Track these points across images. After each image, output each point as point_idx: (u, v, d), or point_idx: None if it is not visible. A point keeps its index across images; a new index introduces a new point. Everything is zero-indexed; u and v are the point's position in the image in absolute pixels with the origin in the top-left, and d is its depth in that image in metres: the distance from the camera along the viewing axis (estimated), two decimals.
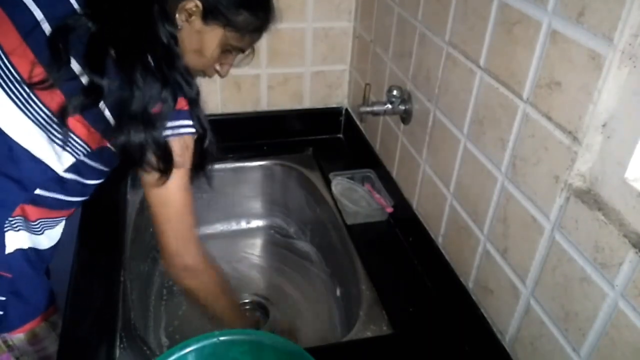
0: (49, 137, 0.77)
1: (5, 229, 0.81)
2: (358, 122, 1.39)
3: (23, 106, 0.74)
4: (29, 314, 0.90)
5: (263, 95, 1.40)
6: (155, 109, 0.73)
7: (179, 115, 0.76)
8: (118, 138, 0.73)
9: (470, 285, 0.89)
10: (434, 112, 0.96)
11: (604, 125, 0.60)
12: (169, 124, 0.75)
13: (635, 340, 0.56)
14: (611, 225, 0.58)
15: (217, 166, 1.34)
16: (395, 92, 1.06)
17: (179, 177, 0.78)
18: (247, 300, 1.22)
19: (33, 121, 0.75)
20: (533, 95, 0.69)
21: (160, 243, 0.82)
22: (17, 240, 0.83)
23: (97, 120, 0.75)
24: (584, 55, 0.59)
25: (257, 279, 1.30)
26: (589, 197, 0.62)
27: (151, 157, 0.75)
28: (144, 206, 1.21)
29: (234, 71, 1.34)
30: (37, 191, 0.80)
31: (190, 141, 0.79)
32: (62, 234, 0.93)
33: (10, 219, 0.81)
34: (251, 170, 1.38)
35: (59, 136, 0.76)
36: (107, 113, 0.74)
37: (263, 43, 1.31)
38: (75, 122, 0.75)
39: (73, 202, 0.88)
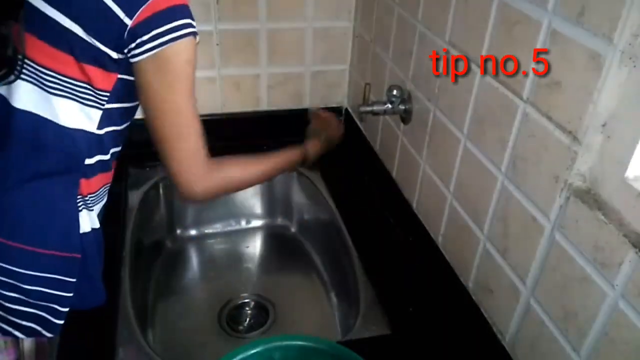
0: (65, 97, 0.75)
1: (80, 208, 0.80)
2: (358, 122, 1.39)
3: (35, 80, 0.74)
4: (99, 297, 0.85)
5: (263, 95, 1.40)
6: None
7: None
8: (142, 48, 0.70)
9: (470, 285, 0.89)
10: (434, 112, 0.96)
11: (604, 125, 0.60)
12: (176, 22, 0.71)
13: (635, 340, 0.56)
14: (611, 225, 0.58)
15: None
16: (395, 92, 1.06)
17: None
18: (246, 300, 1.22)
19: (38, 86, 0.74)
20: (533, 95, 0.69)
21: (173, 174, 0.80)
22: (90, 219, 0.82)
23: (96, 58, 0.73)
24: (584, 55, 0.59)
25: (257, 279, 1.30)
26: (589, 197, 0.62)
27: None
28: (144, 204, 1.22)
29: (234, 71, 1.35)
30: (86, 161, 0.79)
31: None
32: None
33: (85, 197, 0.80)
34: None
35: (73, 92, 0.75)
36: (94, 42, 0.72)
37: (263, 43, 1.32)
38: (75, 68, 0.73)
39: (110, 160, 0.85)
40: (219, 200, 1.38)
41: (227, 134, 1.40)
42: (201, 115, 1.43)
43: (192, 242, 1.37)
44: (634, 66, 0.55)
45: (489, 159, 0.80)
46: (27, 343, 0.87)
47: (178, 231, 1.37)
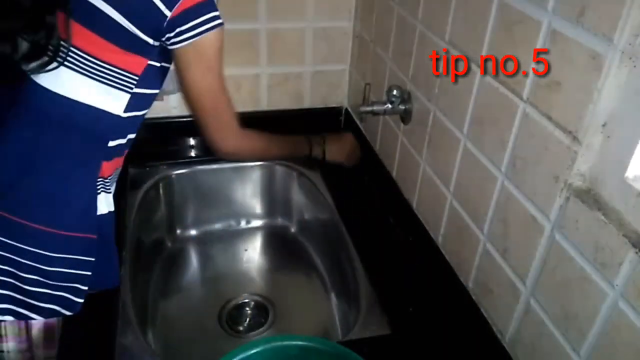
0: (99, 81, 0.79)
1: (99, 191, 0.84)
2: (358, 122, 1.39)
3: (72, 64, 0.77)
4: (114, 278, 0.91)
5: (263, 95, 1.40)
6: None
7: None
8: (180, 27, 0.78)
9: (470, 285, 0.89)
10: (434, 111, 0.96)
11: (604, 125, 0.60)
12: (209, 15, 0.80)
13: (635, 340, 0.56)
14: (611, 225, 0.58)
15: (217, 166, 1.35)
16: (395, 92, 1.06)
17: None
18: (246, 300, 1.22)
19: (77, 71, 0.78)
20: (533, 95, 0.69)
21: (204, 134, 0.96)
22: (107, 202, 0.86)
23: (134, 44, 0.78)
24: (584, 55, 0.59)
25: (257, 279, 1.30)
26: (589, 197, 0.62)
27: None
28: (144, 205, 1.22)
29: (234, 71, 1.35)
30: (109, 143, 0.84)
31: None
32: None
33: (105, 180, 0.85)
34: (251, 170, 1.38)
35: (108, 76, 0.79)
36: (133, 29, 0.76)
37: (263, 42, 1.32)
38: (113, 54, 0.78)
39: (126, 146, 0.90)
40: (219, 200, 1.38)
41: None
42: None
43: (192, 242, 1.37)
44: (634, 66, 0.55)
45: (489, 159, 0.80)
46: (35, 331, 0.88)
47: (178, 231, 1.37)
